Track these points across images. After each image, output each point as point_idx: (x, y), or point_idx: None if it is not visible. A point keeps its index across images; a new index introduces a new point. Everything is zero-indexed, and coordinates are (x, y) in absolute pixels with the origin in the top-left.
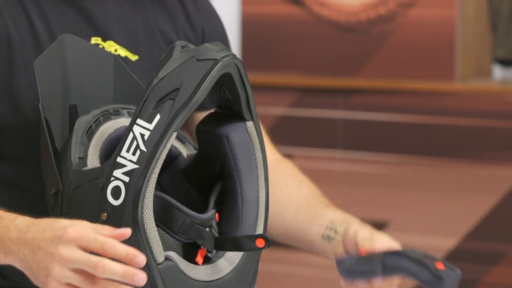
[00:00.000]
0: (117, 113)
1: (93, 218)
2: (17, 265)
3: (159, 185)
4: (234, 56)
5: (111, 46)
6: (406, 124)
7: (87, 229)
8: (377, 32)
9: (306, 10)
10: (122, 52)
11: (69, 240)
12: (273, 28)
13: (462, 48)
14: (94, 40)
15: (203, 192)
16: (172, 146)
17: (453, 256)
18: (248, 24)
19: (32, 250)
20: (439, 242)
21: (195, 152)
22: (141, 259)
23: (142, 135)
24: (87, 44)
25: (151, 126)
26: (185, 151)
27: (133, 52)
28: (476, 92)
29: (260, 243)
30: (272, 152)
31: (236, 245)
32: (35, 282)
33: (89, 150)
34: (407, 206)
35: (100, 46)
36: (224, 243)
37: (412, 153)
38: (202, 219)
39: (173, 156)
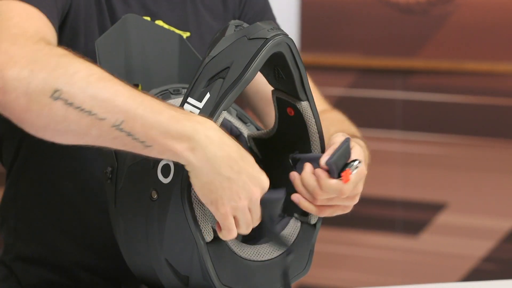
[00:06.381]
0: (177, 92)
1: (145, 195)
2: (195, 160)
3: None
4: (285, 35)
5: None
6: (464, 105)
7: None
8: (436, 13)
9: None
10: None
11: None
12: (333, 8)
13: None
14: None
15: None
16: (233, 125)
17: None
18: (307, 5)
19: (237, 171)
20: (497, 223)
21: (257, 132)
22: None
23: None
24: (152, 24)
25: (200, 105)
26: (246, 131)
27: (184, 29)
28: None
29: None
30: (321, 104)
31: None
32: (200, 188)
33: None
34: (466, 187)
35: None
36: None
37: (471, 134)
38: None
39: (234, 136)
